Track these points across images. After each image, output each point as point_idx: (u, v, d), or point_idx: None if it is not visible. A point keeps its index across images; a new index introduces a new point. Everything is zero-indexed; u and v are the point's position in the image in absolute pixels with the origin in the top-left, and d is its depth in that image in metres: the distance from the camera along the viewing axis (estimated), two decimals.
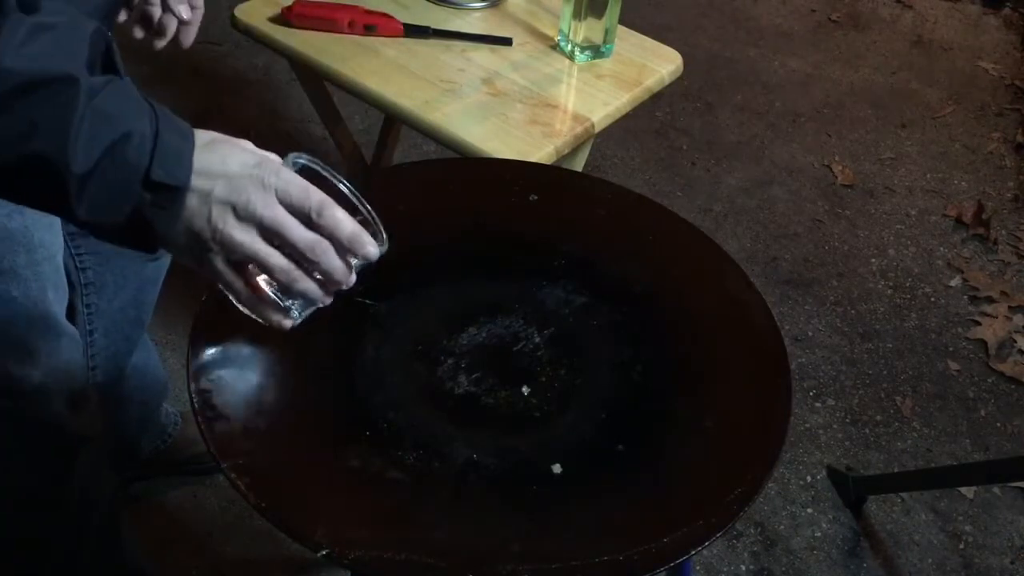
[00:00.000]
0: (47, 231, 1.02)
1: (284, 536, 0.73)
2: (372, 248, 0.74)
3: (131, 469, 1.56)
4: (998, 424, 1.89)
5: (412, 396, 0.86)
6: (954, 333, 2.07)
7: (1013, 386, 1.97)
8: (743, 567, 1.62)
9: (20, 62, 0.61)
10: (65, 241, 1.13)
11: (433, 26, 1.50)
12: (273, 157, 0.73)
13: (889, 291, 2.16)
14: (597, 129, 1.39)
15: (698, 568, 1.59)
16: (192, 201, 0.68)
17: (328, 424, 0.83)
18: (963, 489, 1.76)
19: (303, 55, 1.46)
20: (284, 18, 1.48)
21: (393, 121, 2.06)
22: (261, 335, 0.89)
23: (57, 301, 1.05)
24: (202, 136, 0.70)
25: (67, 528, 1.18)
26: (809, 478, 1.76)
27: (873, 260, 2.24)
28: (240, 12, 1.52)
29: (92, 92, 0.64)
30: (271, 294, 0.75)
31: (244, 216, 0.69)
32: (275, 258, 0.71)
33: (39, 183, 0.64)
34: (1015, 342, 2.06)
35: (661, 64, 1.51)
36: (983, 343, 2.05)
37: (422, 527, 0.76)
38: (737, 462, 0.82)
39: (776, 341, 0.93)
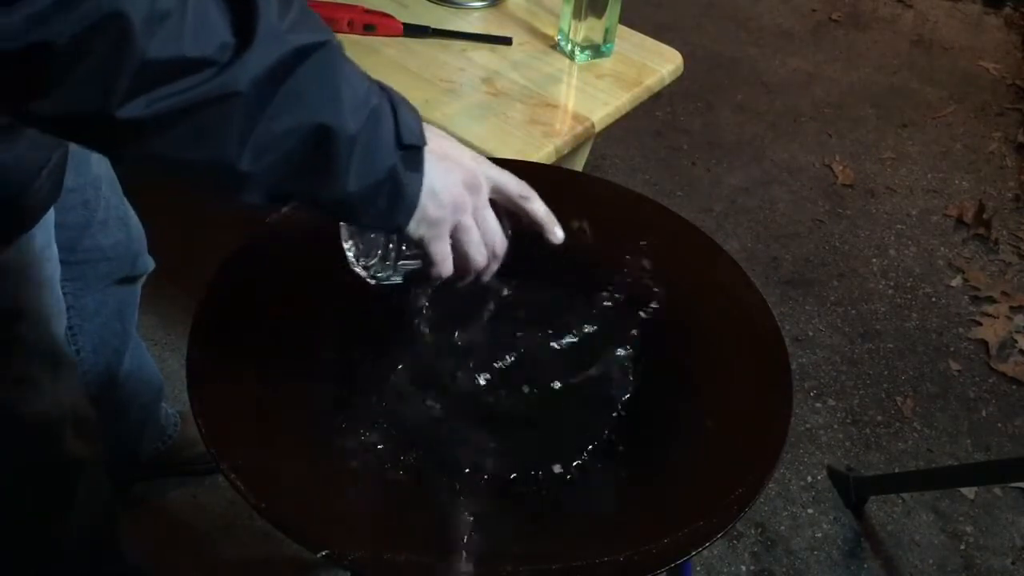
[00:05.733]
0: (48, 262, 1.01)
1: (284, 536, 0.72)
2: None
3: (132, 471, 1.56)
4: (999, 424, 1.89)
5: (412, 396, 0.86)
6: (955, 333, 2.07)
7: (1014, 386, 1.97)
8: (743, 568, 1.61)
9: (288, 31, 0.59)
10: None
11: (433, 26, 1.50)
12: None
13: (890, 291, 2.16)
14: (597, 129, 1.39)
15: (698, 568, 1.59)
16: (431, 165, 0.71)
17: (328, 424, 0.82)
18: (964, 490, 1.76)
19: None
20: None
21: None
22: (260, 335, 0.89)
23: (57, 329, 1.05)
24: None
25: (64, 538, 1.18)
26: (810, 478, 1.76)
27: (874, 260, 2.24)
28: None
29: (345, 56, 0.64)
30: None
31: (472, 186, 0.75)
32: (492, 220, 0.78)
33: (315, 161, 0.63)
34: (1016, 342, 2.06)
35: (661, 64, 1.50)
36: (984, 343, 2.05)
37: (422, 527, 0.76)
38: (737, 462, 0.81)
39: (777, 341, 0.92)
